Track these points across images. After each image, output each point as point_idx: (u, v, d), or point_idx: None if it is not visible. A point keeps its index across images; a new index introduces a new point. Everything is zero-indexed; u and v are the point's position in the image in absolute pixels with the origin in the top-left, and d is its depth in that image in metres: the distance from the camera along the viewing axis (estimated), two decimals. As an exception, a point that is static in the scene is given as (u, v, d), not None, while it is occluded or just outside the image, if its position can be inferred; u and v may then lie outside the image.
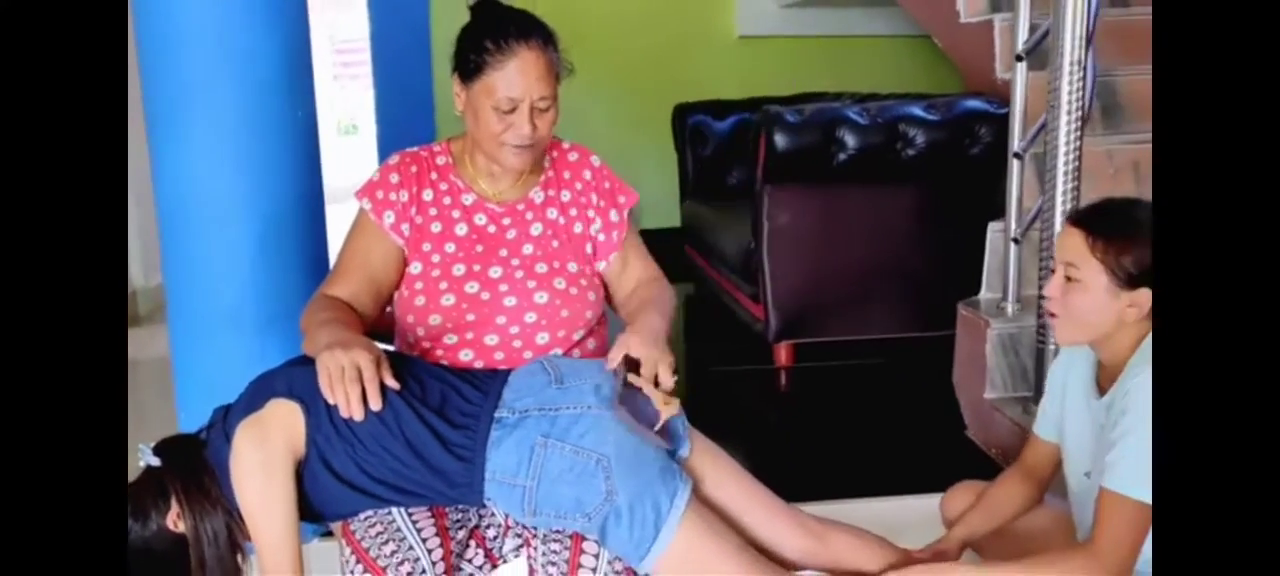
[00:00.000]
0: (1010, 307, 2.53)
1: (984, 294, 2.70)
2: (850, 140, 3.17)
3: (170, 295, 2.07)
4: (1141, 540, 1.52)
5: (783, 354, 3.42)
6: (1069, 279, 1.58)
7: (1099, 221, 1.59)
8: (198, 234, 2.01)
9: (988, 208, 2.82)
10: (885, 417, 3.02)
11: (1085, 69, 2.38)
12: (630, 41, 5.60)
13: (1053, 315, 1.63)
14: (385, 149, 4.13)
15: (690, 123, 4.82)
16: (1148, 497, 1.48)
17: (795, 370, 3.42)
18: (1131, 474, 1.49)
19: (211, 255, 2.01)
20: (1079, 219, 1.61)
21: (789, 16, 5.76)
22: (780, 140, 3.17)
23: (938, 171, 3.22)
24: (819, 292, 3.33)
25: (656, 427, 1.54)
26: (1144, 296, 1.54)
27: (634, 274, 1.84)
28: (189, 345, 2.05)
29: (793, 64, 5.66)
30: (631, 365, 1.58)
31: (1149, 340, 1.56)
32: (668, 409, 1.55)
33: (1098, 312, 1.57)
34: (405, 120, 3.82)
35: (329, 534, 1.85)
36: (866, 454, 2.70)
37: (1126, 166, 2.89)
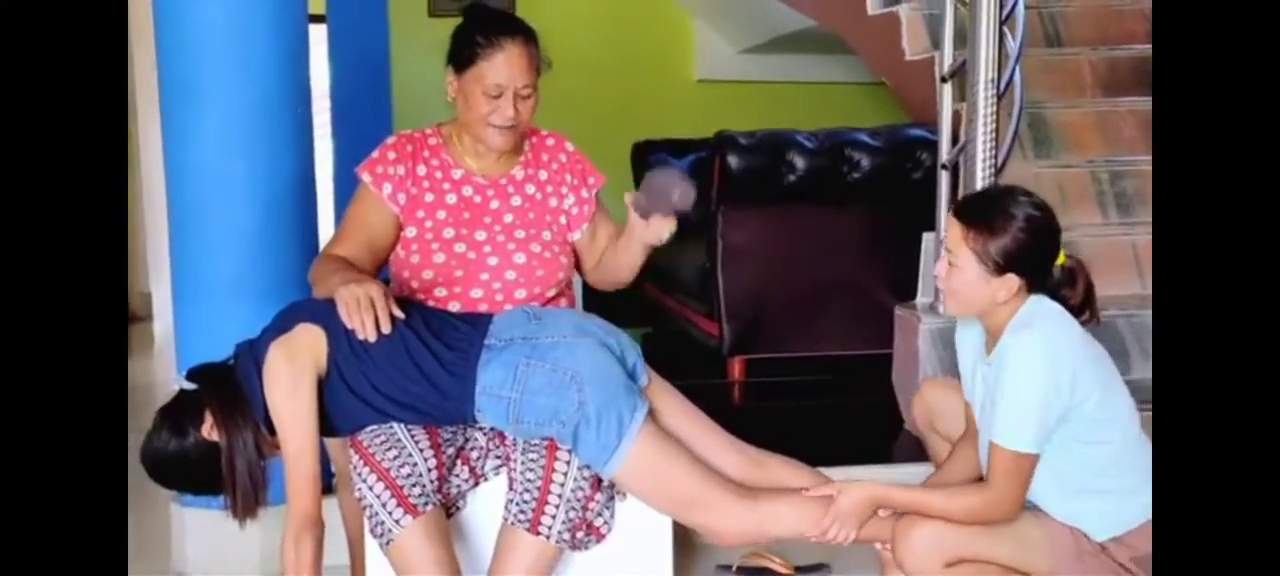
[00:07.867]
0: (940, 305, 3.06)
1: (919, 297, 3.23)
2: (799, 162, 3.76)
3: (175, 267, 2.56)
4: (1026, 481, 1.95)
5: (736, 368, 3.95)
6: (950, 263, 1.99)
7: (970, 212, 1.98)
8: (205, 212, 2.51)
9: (930, 227, 3.31)
10: (831, 426, 3.51)
11: (1015, 92, 2.94)
12: (593, 83, 6.04)
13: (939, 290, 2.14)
14: (343, 201, 4.49)
15: (650, 160, 5.20)
16: (1023, 447, 1.91)
17: (748, 384, 3.94)
18: (1007, 427, 1.92)
19: (217, 231, 2.50)
20: (956, 209, 2.03)
21: (746, 62, 6.38)
22: (733, 161, 3.75)
23: (882, 193, 3.80)
24: (770, 307, 3.87)
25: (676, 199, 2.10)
26: (1012, 281, 1.93)
27: (601, 244, 2.37)
28: (192, 311, 2.54)
29: (749, 108, 6.14)
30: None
31: (1024, 309, 1.98)
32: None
33: (973, 291, 1.97)
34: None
35: (329, 491, 2.30)
36: (812, 452, 3.18)
37: (1053, 188, 3.47)
